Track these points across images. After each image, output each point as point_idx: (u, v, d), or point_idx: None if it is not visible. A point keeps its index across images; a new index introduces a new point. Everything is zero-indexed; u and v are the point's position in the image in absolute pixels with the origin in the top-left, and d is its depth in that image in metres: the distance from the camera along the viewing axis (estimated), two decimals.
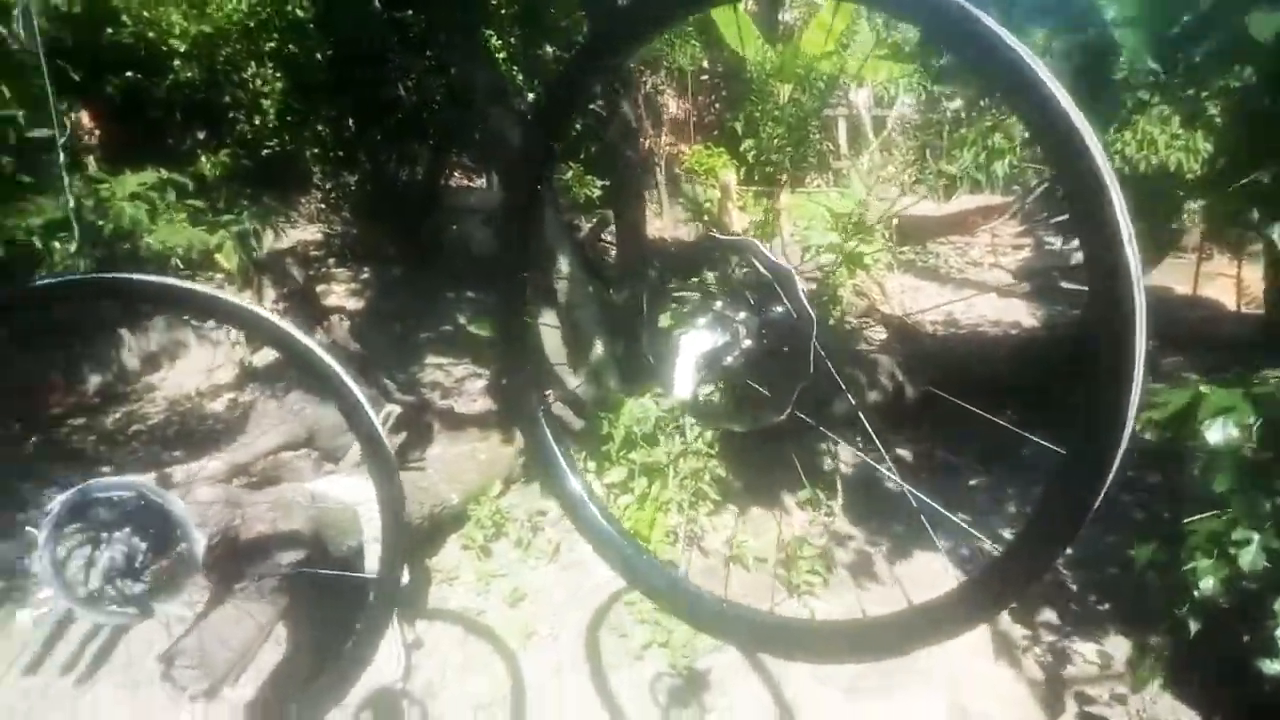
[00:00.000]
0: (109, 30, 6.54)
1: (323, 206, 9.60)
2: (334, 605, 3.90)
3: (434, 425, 4.58)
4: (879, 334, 7.81)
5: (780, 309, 1.25)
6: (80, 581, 1.87)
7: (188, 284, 1.74)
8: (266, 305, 7.07)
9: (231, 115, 8.37)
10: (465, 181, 9.69)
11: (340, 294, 7.90)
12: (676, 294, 1.37)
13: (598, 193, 8.99)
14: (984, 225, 10.62)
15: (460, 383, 6.85)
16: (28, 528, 1.85)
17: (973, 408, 1.45)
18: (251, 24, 6.62)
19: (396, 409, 4.15)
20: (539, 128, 1.56)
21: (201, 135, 8.36)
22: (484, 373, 6.84)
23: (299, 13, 6.56)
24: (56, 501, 1.85)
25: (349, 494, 3.80)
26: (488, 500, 4.55)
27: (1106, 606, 4.35)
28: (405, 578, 4.05)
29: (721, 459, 4.35)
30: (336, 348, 4.61)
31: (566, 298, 4.53)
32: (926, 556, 4.71)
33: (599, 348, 4.61)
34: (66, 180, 1.69)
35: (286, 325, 1.84)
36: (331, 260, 8.99)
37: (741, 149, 11.31)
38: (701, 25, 11.47)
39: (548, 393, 5.23)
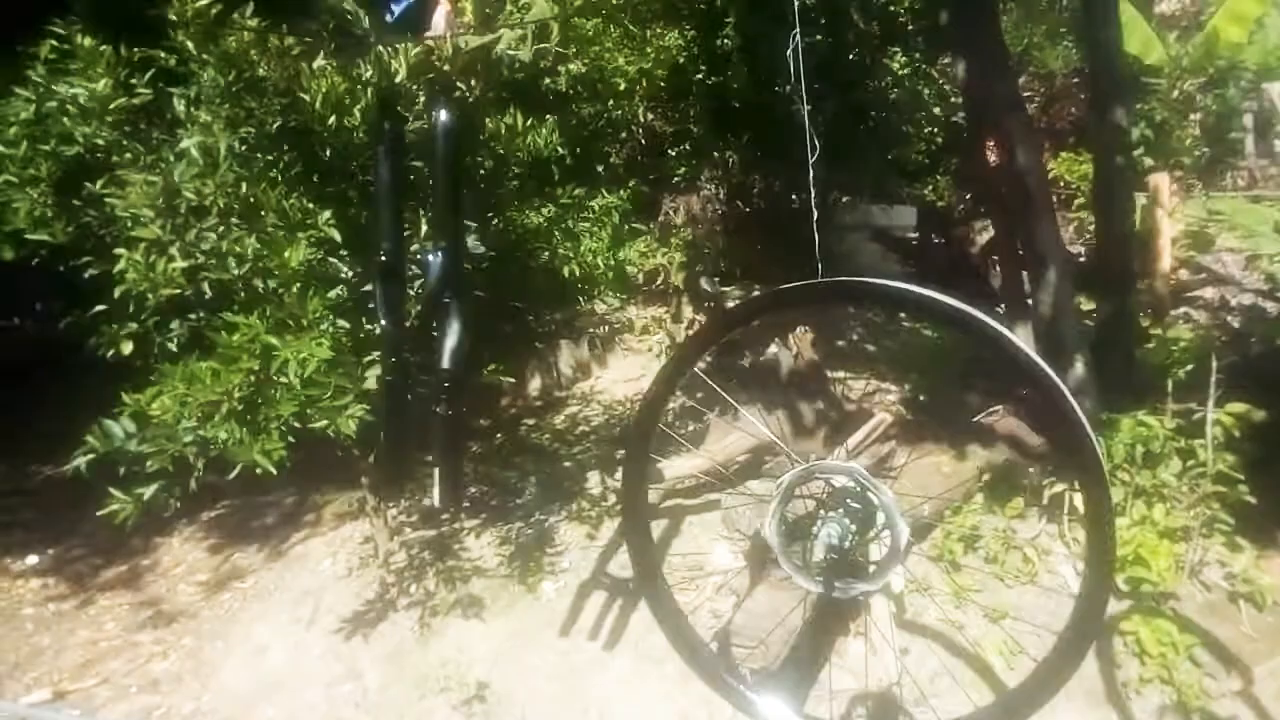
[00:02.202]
0: (548, 80, 7.38)
1: (694, 227, 10.17)
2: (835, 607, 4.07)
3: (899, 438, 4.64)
4: None
5: None
6: (796, 548, 2.08)
7: (912, 288, 1.88)
8: (686, 318, 7.62)
9: (631, 145, 9.14)
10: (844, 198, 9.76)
11: None
12: None
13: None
14: None
15: (867, 397, 6.87)
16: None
17: None
18: (681, 59, 7.20)
19: (888, 418, 4.26)
20: None
21: (601, 168, 9.20)
22: (892, 388, 6.81)
23: (725, 43, 7.06)
24: (787, 475, 2.07)
25: None
26: (957, 514, 4.51)
27: None
28: (901, 585, 4.14)
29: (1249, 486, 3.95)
30: (802, 357, 4.82)
31: (1049, 309, 4.38)
32: None
33: (1079, 364, 4.40)
34: (814, 200, 1.90)
35: (1000, 329, 1.88)
36: (716, 279, 9.45)
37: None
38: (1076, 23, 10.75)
39: (997, 408, 5.11)
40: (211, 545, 5.88)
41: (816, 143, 1.99)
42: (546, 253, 4.40)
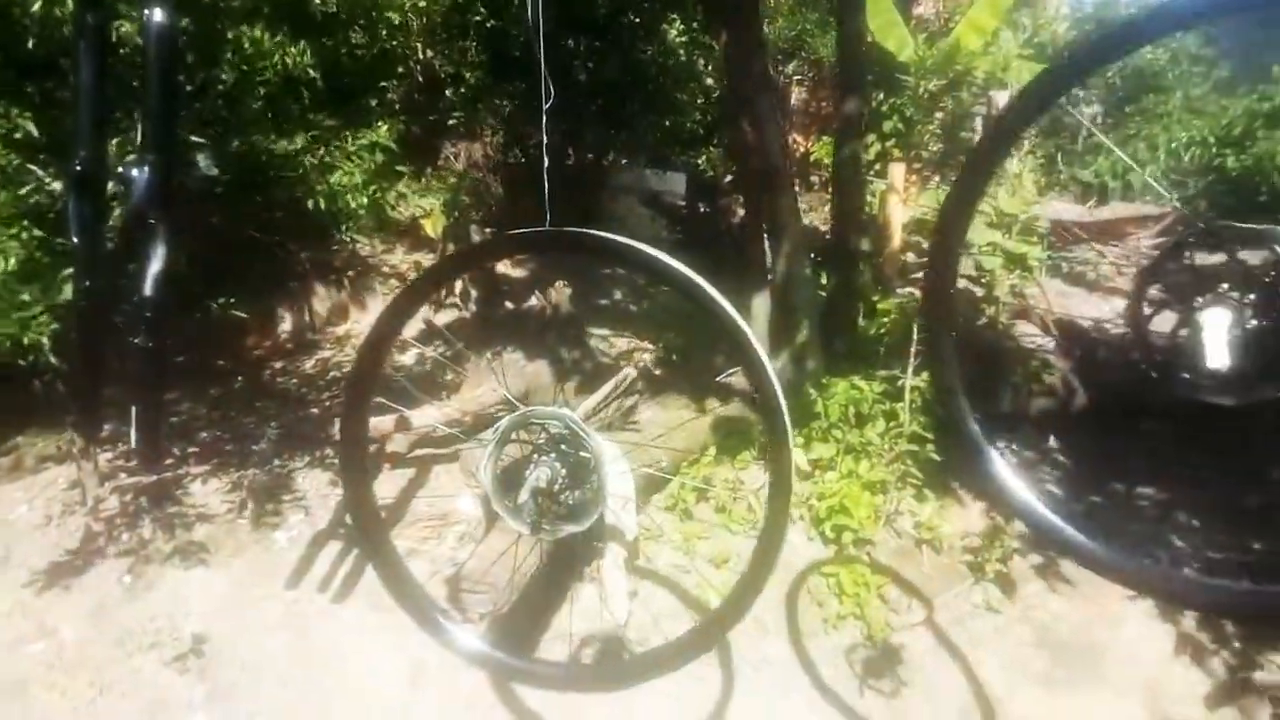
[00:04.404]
0: None
1: (473, 174, 9.95)
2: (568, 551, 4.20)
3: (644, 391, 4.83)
4: (1033, 335, 7.75)
5: None
6: (507, 492, 2.11)
7: (632, 243, 1.94)
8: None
9: (399, 84, 8.74)
10: (621, 161, 9.89)
11: (505, 263, 8.20)
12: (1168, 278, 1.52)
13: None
14: (1134, 233, 10.43)
15: (627, 354, 7.07)
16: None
17: None
18: None
19: (633, 372, 4.41)
20: (1004, 129, 1.69)
21: (375, 103, 8.73)
22: (650, 345, 7.05)
23: None
24: (504, 420, 2.09)
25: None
26: (692, 466, 4.78)
27: None
28: (635, 532, 4.32)
29: (936, 445, 4.48)
30: (559, 312, 4.87)
31: (784, 278, 4.71)
32: None
33: (806, 329, 4.79)
34: (546, 143, 1.89)
35: (709, 289, 1.97)
36: (488, 230, 9.31)
37: (865, 141, 11.40)
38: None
39: (737, 368, 5.44)
40: None
41: (552, 90, 2.00)
42: (294, 183, 4.12)
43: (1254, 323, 1.43)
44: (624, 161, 9.85)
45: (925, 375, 4.44)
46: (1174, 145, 13.30)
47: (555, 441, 2.11)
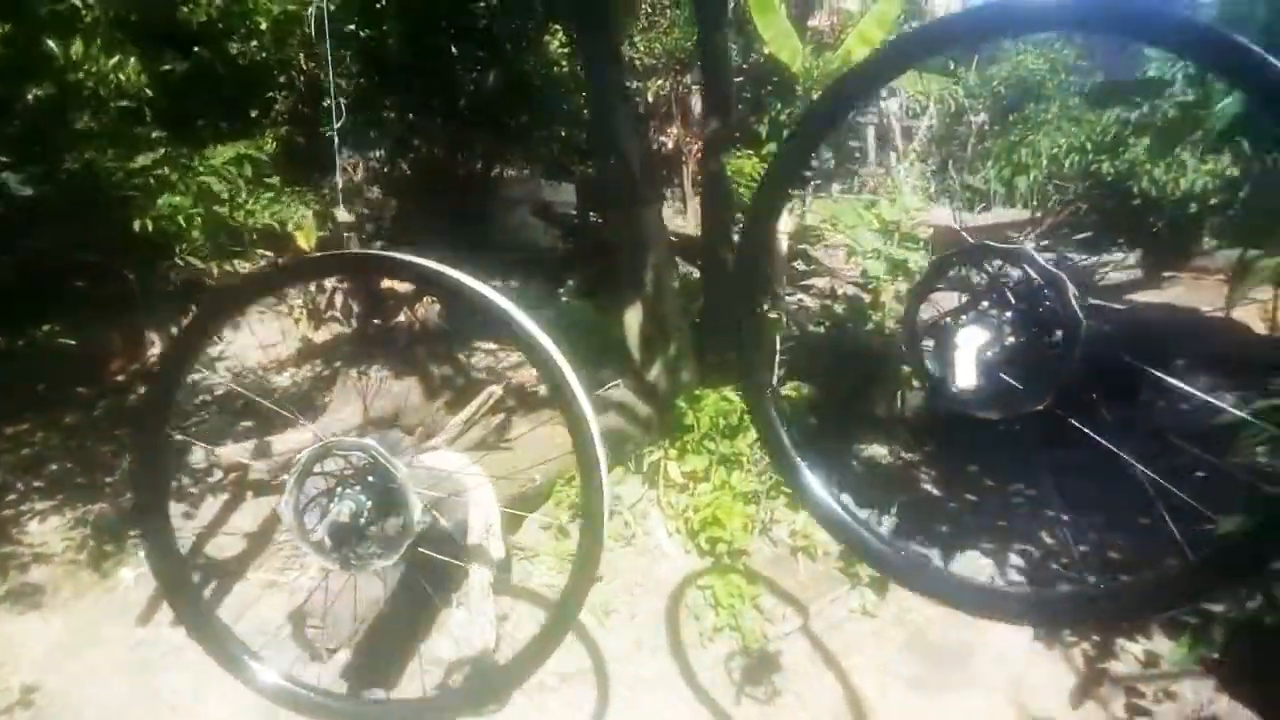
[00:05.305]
0: (185, 8, 6.62)
1: (365, 189, 9.71)
2: (434, 577, 4.06)
3: (515, 408, 4.74)
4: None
5: (1047, 309, 1.42)
6: (311, 528, 2.00)
7: (437, 266, 1.85)
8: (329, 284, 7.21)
9: (285, 95, 8.50)
10: (513, 172, 9.79)
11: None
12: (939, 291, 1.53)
13: None
14: (1015, 237, 10.84)
15: (514, 368, 6.96)
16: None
17: None
18: (333, 6, 6.71)
19: (498, 390, 4.31)
20: (796, 146, 1.67)
21: (254, 114, 8.44)
22: None
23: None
24: (304, 453, 1.97)
25: (453, 468, 3.94)
26: (570, 483, 4.71)
27: None
28: (501, 553, 4.22)
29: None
30: (428, 326, 4.75)
31: (653, 288, 4.69)
32: (970, 556, 4.87)
33: (676, 342, 4.78)
34: (338, 162, 1.82)
35: (520, 314, 1.88)
36: (379, 244, 9.08)
37: (764, 152, 11.56)
38: (741, 24, 11.65)
39: (617, 382, 5.41)
40: None
41: (343, 110, 1.92)
42: (131, 203, 3.89)
43: (1010, 339, 1.45)
44: (516, 173, 9.75)
45: (792, 384, 4.49)
46: (1054, 151, 13.95)
47: (362, 473, 2.02)
